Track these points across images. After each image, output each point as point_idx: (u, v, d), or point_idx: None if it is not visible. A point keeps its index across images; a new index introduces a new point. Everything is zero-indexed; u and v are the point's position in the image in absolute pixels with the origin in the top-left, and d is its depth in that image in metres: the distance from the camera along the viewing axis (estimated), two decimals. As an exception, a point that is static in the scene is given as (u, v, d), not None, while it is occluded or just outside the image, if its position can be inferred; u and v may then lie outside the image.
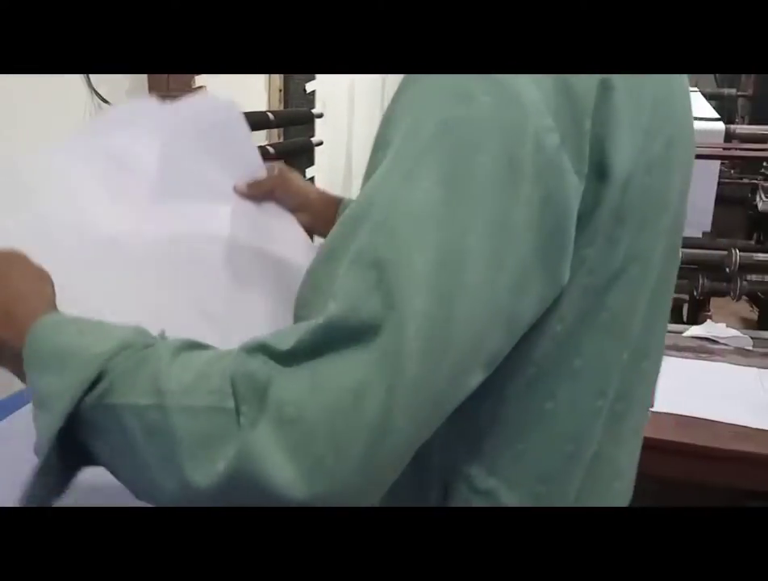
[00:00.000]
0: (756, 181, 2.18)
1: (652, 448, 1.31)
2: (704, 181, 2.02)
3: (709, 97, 2.57)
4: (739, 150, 2.04)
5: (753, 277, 1.82)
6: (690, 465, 1.27)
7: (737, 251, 1.69)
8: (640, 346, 0.58)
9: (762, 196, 2.09)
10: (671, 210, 0.57)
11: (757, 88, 2.48)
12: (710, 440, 1.27)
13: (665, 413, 1.36)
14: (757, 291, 1.82)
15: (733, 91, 2.51)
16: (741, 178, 2.28)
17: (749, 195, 2.18)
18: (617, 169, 0.49)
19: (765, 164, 2.25)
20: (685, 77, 0.60)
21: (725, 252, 1.75)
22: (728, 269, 1.71)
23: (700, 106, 2.20)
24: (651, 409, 1.40)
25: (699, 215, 2.03)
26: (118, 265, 0.68)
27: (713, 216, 2.09)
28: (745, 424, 1.31)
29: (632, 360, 0.57)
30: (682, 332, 1.72)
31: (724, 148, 2.00)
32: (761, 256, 1.77)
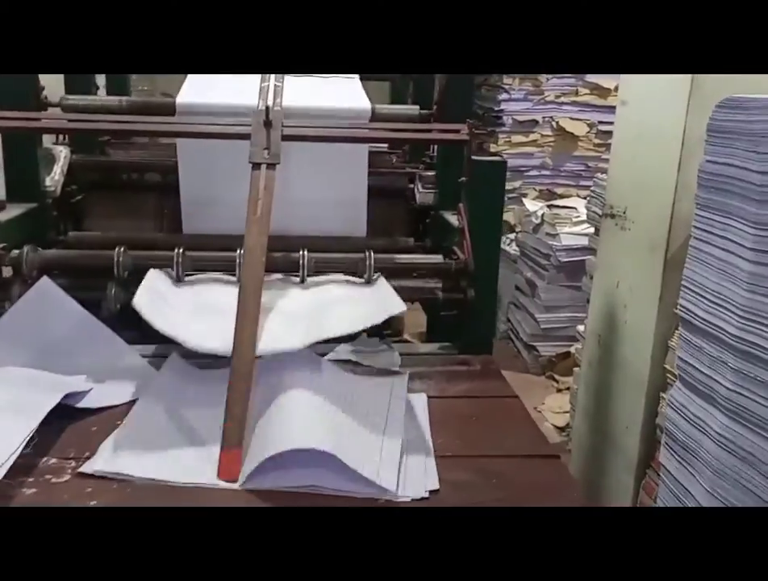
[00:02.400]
0: (416, 170, 1.92)
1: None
2: (354, 169, 1.70)
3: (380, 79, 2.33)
4: (397, 131, 1.73)
5: (410, 283, 1.52)
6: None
7: (372, 253, 1.37)
8: None
9: (419, 186, 1.82)
10: None
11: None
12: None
13: (253, 491, 0.98)
14: (417, 297, 1.52)
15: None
16: (405, 168, 2.02)
17: (410, 186, 1.91)
18: None
19: (427, 151, 2.01)
20: None
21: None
22: (363, 276, 1.38)
23: (350, 86, 1.89)
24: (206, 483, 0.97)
25: (350, 211, 1.71)
26: None
27: (372, 212, 1.78)
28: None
29: None
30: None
31: (372, 130, 1.69)
32: (404, 257, 1.48)
